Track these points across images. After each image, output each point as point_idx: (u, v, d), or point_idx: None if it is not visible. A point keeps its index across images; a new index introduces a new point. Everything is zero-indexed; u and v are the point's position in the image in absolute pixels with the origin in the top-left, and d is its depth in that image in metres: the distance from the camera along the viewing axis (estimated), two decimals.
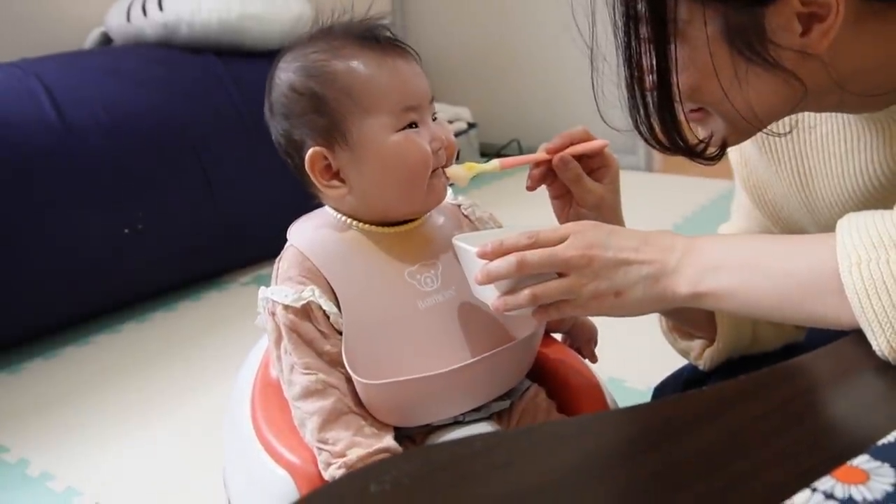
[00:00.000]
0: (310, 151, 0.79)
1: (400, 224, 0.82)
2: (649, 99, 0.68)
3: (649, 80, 0.68)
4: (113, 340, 2.01)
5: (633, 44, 0.67)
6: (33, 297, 1.93)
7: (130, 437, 1.60)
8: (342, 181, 0.80)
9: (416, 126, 0.79)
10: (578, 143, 0.81)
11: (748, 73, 0.66)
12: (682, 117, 0.69)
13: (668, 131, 0.70)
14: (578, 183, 0.81)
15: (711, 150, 0.73)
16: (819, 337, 0.62)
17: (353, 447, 0.73)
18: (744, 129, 0.71)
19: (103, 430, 1.63)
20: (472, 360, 0.78)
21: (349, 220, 0.82)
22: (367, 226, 0.81)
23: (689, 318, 0.86)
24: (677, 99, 0.68)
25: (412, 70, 0.80)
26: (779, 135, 0.75)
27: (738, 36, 0.64)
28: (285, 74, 0.80)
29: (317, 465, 0.75)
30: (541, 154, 0.81)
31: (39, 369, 1.88)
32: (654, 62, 0.67)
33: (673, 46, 0.66)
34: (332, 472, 0.73)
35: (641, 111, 0.69)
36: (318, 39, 0.80)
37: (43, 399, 1.75)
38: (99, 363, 1.90)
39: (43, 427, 1.65)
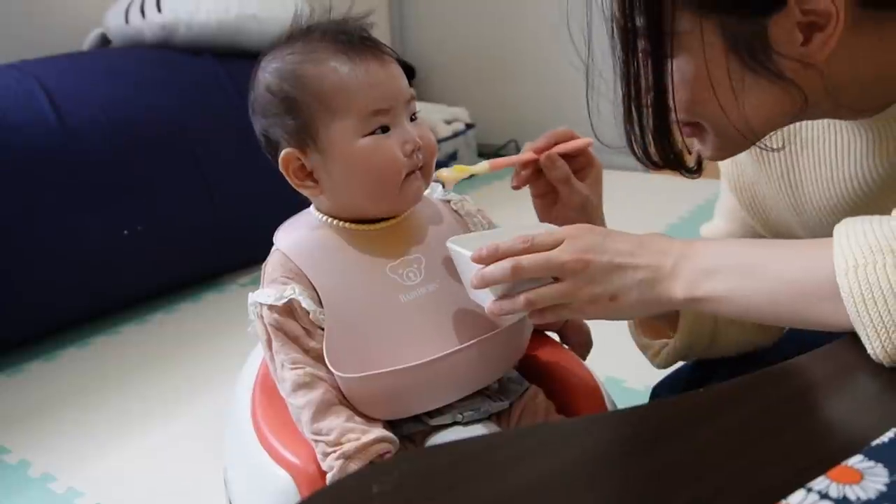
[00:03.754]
0: (283, 152, 0.80)
1: (381, 221, 0.83)
2: (646, 115, 0.68)
3: (646, 95, 0.67)
4: (113, 342, 2.01)
5: (631, 58, 0.67)
6: (33, 298, 1.93)
7: (132, 438, 1.60)
8: (315, 181, 0.81)
9: (388, 129, 0.79)
10: (563, 141, 0.82)
11: (748, 84, 0.65)
12: (676, 132, 0.69)
13: (663, 147, 0.69)
14: (566, 183, 0.81)
15: (691, 164, 0.73)
16: (793, 339, 0.62)
17: (346, 433, 0.74)
18: (736, 142, 0.70)
19: (104, 431, 1.63)
20: (448, 352, 0.77)
21: (330, 220, 0.83)
22: (347, 224, 0.82)
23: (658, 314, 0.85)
24: (674, 114, 0.67)
25: (386, 72, 0.79)
26: (772, 149, 0.75)
27: (741, 46, 0.64)
28: (263, 74, 0.82)
29: (318, 465, 0.76)
30: (528, 154, 0.82)
31: (40, 371, 1.89)
32: (652, 77, 0.66)
33: (671, 60, 0.65)
34: (330, 463, 0.73)
35: (637, 128, 0.69)
36: (296, 40, 0.81)
37: (44, 401, 1.75)
38: (99, 365, 1.90)
39: (44, 428, 1.65)
